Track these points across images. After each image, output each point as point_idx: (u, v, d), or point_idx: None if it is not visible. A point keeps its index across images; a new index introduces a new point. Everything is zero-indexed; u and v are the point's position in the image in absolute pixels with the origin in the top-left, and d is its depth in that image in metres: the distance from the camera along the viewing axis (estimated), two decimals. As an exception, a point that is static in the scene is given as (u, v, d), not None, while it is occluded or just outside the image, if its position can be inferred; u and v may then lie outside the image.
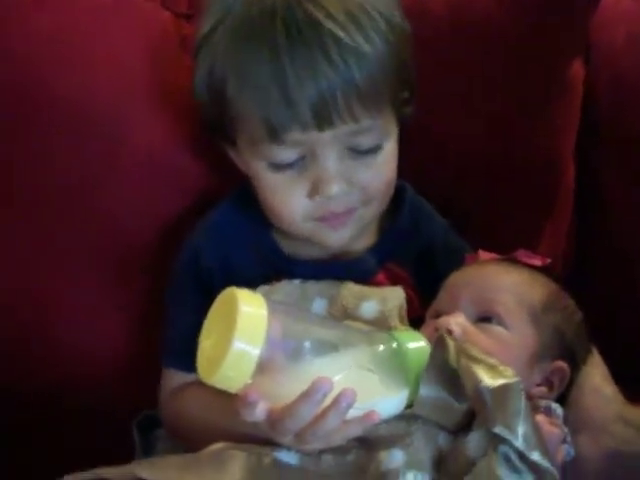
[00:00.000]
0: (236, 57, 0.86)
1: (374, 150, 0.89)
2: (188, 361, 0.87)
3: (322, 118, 0.84)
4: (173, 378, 0.94)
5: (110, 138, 1.04)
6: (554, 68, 1.08)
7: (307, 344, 0.73)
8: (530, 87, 1.07)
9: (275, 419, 0.73)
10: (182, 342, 0.88)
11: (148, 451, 0.98)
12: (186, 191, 1.05)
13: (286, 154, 0.87)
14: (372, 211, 0.92)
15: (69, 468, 0.99)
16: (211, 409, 0.86)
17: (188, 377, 0.92)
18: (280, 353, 0.72)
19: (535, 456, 0.70)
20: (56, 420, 1.07)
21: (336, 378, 0.72)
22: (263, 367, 0.70)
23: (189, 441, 0.89)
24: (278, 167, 0.88)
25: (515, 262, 0.88)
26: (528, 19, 1.05)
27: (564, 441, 0.78)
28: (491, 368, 0.73)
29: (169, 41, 1.07)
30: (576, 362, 0.85)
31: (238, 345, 0.69)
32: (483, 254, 0.90)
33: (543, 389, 0.82)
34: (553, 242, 1.11)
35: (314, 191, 0.88)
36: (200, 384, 0.88)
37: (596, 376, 0.86)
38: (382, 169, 0.90)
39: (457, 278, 0.87)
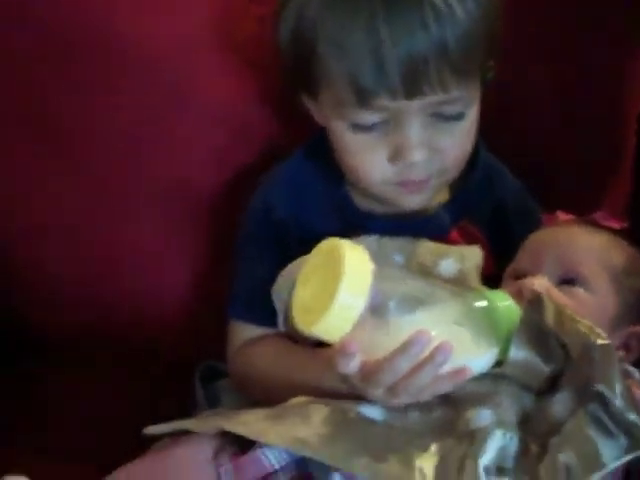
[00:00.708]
0: (330, 16, 0.85)
1: (458, 117, 0.88)
2: (259, 313, 0.90)
3: (413, 87, 0.84)
4: (242, 331, 0.94)
5: (176, 85, 1.04)
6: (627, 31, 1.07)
7: (401, 298, 0.73)
8: (601, 50, 1.07)
9: (369, 371, 0.74)
10: (253, 294, 0.90)
11: (211, 402, 0.99)
12: (252, 141, 1.05)
13: (370, 117, 0.87)
14: (448, 177, 0.92)
15: (131, 412, 1.03)
16: (289, 362, 0.86)
17: (257, 330, 0.93)
18: (372, 309, 0.72)
19: (632, 416, 0.70)
20: (121, 362, 1.08)
21: (432, 332, 0.73)
22: (359, 320, 0.71)
23: (260, 395, 0.89)
24: (360, 128, 0.88)
25: (594, 224, 0.88)
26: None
27: (645, 404, 0.79)
28: (589, 329, 0.73)
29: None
30: (654, 326, 0.86)
31: (345, 295, 0.69)
32: (561, 215, 0.90)
33: (621, 353, 0.83)
34: (616, 197, 1.09)
35: (395, 156, 0.88)
36: (272, 337, 0.91)
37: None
38: (463, 137, 0.90)
39: (538, 238, 0.87)
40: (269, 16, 0.97)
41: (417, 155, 0.87)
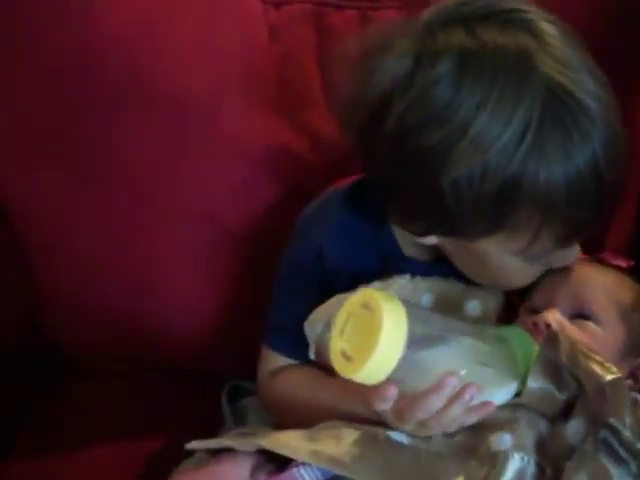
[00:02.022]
0: (556, 177, 0.79)
1: None
2: (294, 347, 0.94)
3: (582, 235, 0.86)
4: (276, 361, 0.97)
5: (204, 125, 1.08)
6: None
7: (427, 337, 0.79)
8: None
9: (402, 409, 0.79)
10: (291, 329, 0.93)
11: (238, 421, 1.04)
12: (275, 175, 1.09)
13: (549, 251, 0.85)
14: None
15: (152, 429, 1.08)
16: (321, 390, 0.91)
17: (289, 361, 0.96)
18: (409, 349, 0.77)
19: None
20: (143, 379, 1.13)
21: (461, 372, 0.79)
22: None
23: (290, 420, 0.93)
24: (533, 260, 0.87)
25: (603, 263, 0.94)
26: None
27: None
28: (600, 364, 0.80)
29: (259, 29, 1.10)
30: (658, 357, 0.92)
31: (384, 347, 0.74)
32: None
33: (630, 382, 0.88)
34: (620, 230, 1.13)
35: (558, 264, 0.90)
36: (304, 367, 0.95)
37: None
38: None
39: (552, 277, 0.93)
40: (288, 54, 1.01)
41: (575, 259, 0.90)
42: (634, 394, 0.86)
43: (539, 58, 0.78)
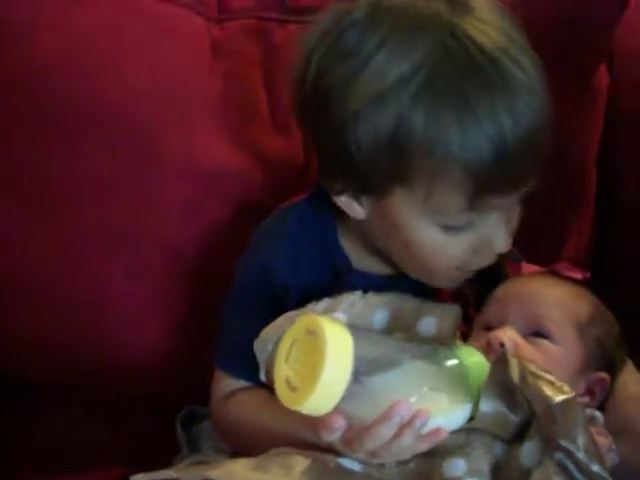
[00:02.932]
0: (448, 123, 0.79)
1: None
2: (245, 369, 0.92)
3: (523, 180, 0.83)
4: (228, 383, 0.95)
5: (150, 146, 1.06)
6: (581, 70, 1.11)
7: (376, 362, 0.76)
8: (557, 90, 1.08)
9: (352, 438, 0.77)
10: (242, 351, 0.90)
11: (192, 447, 1.02)
12: (226, 195, 1.07)
13: (466, 218, 0.84)
14: None
15: (110, 458, 1.06)
16: (271, 415, 0.88)
17: (242, 384, 0.94)
18: (358, 375, 0.74)
19: (595, 467, 0.74)
20: (100, 407, 1.11)
21: (409, 398, 0.76)
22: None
23: (240, 445, 0.92)
24: (450, 229, 0.84)
25: (557, 275, 0.92)
26: (560, 16, 1.08)
27: (610, 449, 0.83)
28: (551, 384, 0.77)
29: (201, 46, 1.08)
30: (614, 371, 0.90)
31: (329, 376, 0.71)
32: (527, 267, 0.94)
33: (586, 399, 0.86)
34: (578, 240, 1.15)
35: (483, 247, 0.86)
36: (255, 390, 0.92)
37: (631, 384, 0.91)
38: (519, 211, 0.89)
39: (505, 291, 0.90)
40: (232, 71, 0.99)
41: (505, 245, 0.86)
42: (590, 411, 0.84)
43: (449, 14, 0.81)
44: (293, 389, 0.74)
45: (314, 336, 0.73)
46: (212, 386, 0.97)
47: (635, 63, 1.15)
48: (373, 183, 0.84)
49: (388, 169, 0.82)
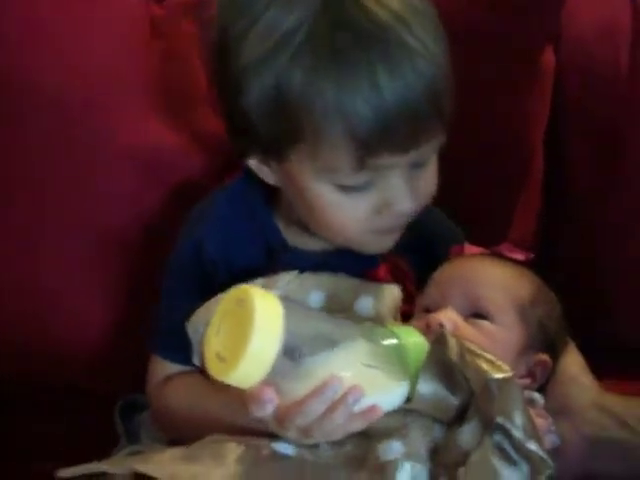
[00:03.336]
0: (325, 77, 0.80)
1: (430, 160, 0.87)
2: (180, 352, 0.90)
3: (412, 140, 0.82)
4: (164, 367, 0.93)
5: (83, 129, 1.04)
6: (527, 52, 1.10)
7: (312, 340, 0.74)
8: (503, 71, 1.09)
9: (283, 415, 0.75)
10: (175, 332, 0.89)
11: (132, 437, 1.00)
12: (171, 184, 1.05)
13: (361, 178, 0.84)
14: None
15: (54, 450, 1.03)
16: (205, 400, 0.87)
17: (179, 368, 0.92)
18: (284, 350, 0.73)
19: (532, 445, 0.73)
20: (42, 400, 1.09)
21: (343, 374, 0.74)
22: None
23: (177, 432, 0.90)
24: (347, 189, 0.85)
25: (500, 256, 0.91)
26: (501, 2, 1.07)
27: (549, 430, 0.82)
28: (490, 362, 0.76)
29: (139, 26, 1.07)
30: (556, 353, 0.88)
31: (257, 345, 0.70)
32: (469, 248, 0.92)
33: (527, 380, 0.85)
34: (525, 221, 1.14)
35: (383, 208, 0.86)
36: (189, 374, 0.91)
37: (573, 366, 0.90)
38: (433, 174, 0.89)
39: (446, 272, 0.89)
40: (171, 49, 0.97)
41: (407, 205, 0.86)
42: (530, 393, 0.83)
43: None
44: (222, 360, 0.72)
45: (243, 306, 0.72)
46: (148, 371, 0.95)
47: (581, 44, 1.14)
48: (270, 144, 0.85)
49: (277, 129, 0.83)
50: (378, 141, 0.81)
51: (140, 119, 1.04)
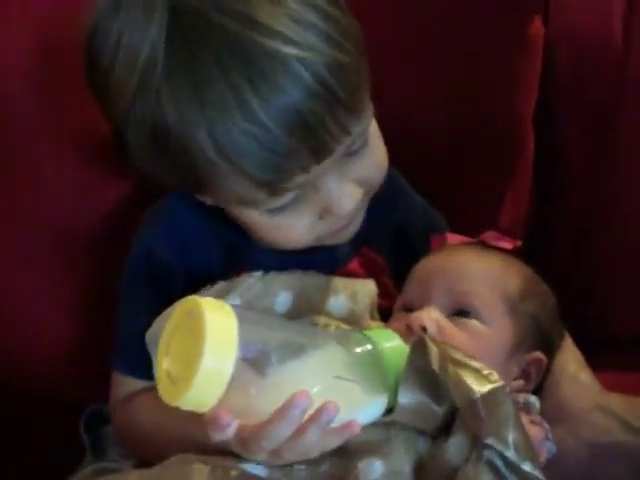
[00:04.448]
0: (193, 119, 0.73)
1: (364, 143, 0.80)
2: (141, 367, 0.83)
3: (319, 151, 0.75)
4: (125, 384, 0.87)
5: (28, 118, 0.96)
6: (513, 24, 1.04)
7: (275, 352, 0.67)
8: (489, 45, 1.03)
9: (247, 437, 0.68)
10: (135, 346, 0.82)
11: (98, 452, 0.93)
12: (123, 174, 0.96)
13: (286, 198, 0.78)
14: (372, 194, 0.85)
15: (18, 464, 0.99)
16: (169, 419, 0.79)
17: (141, 384, 0.86)
18: (246, 366, 0.66)
19: (527, 467, 0.66)
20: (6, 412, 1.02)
21: (313, 390, 0.67)
22: (231, 381, 0.64)
23: (143, 451, 0.84)
24: (277, 210, 0.79)
25: (485, 246, 0.83)
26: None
27: (546, 438, 0.75)
28: (476, 373, 0.68)
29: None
30: (551, 350, 0.82)
31: (208, 363, 0.63)
32: (450, 237, 0.85)
33: (520, 382, 0.79)
34: (515, 207, 1.08)
35: (326, 214, 0.80)
36: (153, 391, 0.83)
37: (571, 363, 0.83)
38: (375, 153, 0.82)
39: (427, 266, 0.82)
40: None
41: (348, 205, 0.79)
42: (525, 396, 0.77)
43: None
44: (174, 382, 0.65)
45: (193, 319, 0.64)
46: (111, 389, 0.89)
47: (571, 13, 1.07)
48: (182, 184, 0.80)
49: (173, 179, 0.78)
50: (275, 171, 0.73)
51: (90, 104, 0.95)
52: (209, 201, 0.83)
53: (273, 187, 0.75)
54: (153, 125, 0.75)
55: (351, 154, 0.79)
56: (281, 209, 0.78)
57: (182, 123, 0.73)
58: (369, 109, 0.80)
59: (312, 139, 0.73)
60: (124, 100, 0.75)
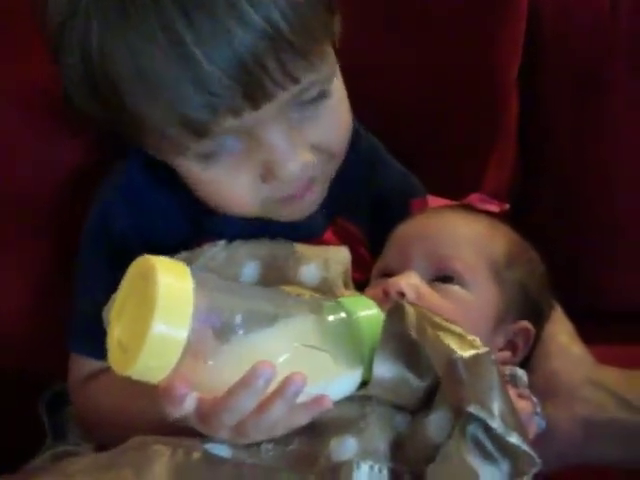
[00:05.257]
0: (121, 50, 0.69)
1: (320, 98, 0.74)
2: (98, 346, 0.75)
3: (254, 93, 0.69)
4: (82, 364, 0.82)
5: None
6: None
7: (239, 319, 0.62)
8: (473, 3, 0.99)
9: (207, 412, 0.63)
10: (90, 323, 0.77)
11: (59, 434, 0.88)
12: (84, 139, 0.91)
13: (215, 144, 0.72)
14: (336, 165, 0.79)
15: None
16: (129, 399, 0.74)
17: (99, 364, 0.80)
18: (208, 332, 0.60)
19: (514, 438, 0.60)
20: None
21: (279, 360, 0.61)
22: (189, 349, 0.59)
23: (103, 434, 0.78)
24: (214, 159, 0.74)
25: (470, 209, 0.77)
26: None
27: (535, 413, 0.70)
28: (459, 337, 0.63)
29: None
30: (540, 320, 0.77)
31: (160, 328, 0.57)
32: (432, 200, 0.79)
33: (507, 354, 0.74)
34: (499, 171, 1.04)
35: (267, 175, 0.74)
36: (111, 371, 0.78)
37: (562, 335, 0.78)
38: (336, 116, 0.76)
39: (407, 230, 0.76)
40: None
41: (292, 168, 0.73)
42: (511, 369, 0.71)
43: None
44: (124, 350, 0.60)
45: (146, 282, 0.59)
46: (69, 369, 0.84)
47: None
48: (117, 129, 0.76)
49: (102, 113, 0.74)
50: (202, 109, 0.68)
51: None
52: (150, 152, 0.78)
53: (198, 128, 0.70)
54: (82, 52, 0.71)
55: (303, 109, 0.73)
56: (215, 159, 0.73)
57: (105, 46, 0.69)
58: (328, 61, 0.74)
59: (248, 79, 0.68)
60: (58, 27, 0.71)
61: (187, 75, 0.67)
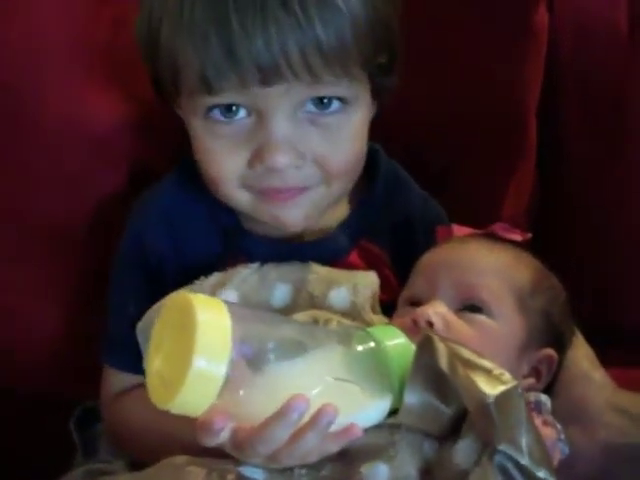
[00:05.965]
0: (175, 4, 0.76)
1: (337, 112, 0.77)
2: (132, 360, 0.79)
3: (268, 70, 0.73)
4: (116, 379, 0.84)
5: (23, 108, 0.93)
6: (517, 11, 1.01)
7: (271, 348, 0.63)
8: (495, 33, 1.01)
9: (242, 441, 0.65)
10: (125, 339, 0.79)
11: (90, 451, 0.90)
12: (116, 164, 0.94)
13: (233, 113, 0.76)
14: (335, 191, 0.81)
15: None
16: (162, 417, 0.72)
17: (132, 378, 0.82)
18: (242, 363, 0.62)
19: (542, 473, 0.62)
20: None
21: (311, 392, 0.63)
22: (226, 382, 0.61)
23: (134, 450, 0.81)
24: (221, 128, 0.77)
25: (494, 238, 0.79)
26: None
27: (559, 439, 0.71)
28: (487, 373, 0.64)
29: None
30: (563, 346, 0.78)
31: (200, 364, 0.59)
32: (457, 229, 0.81)
33: (531, 380, 0.75)
34: (517, 198, 1.05)
35: (256, 159, 0.77)
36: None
37: (583, 361, 0.79)
38: (345, 143, 0.78)
39: (434, 259, 0.78)
40: (122, 19, 0.88)
41: (279, 157, 0.75)
42: (536, 395, 0.73)
43: None
44: (165, 385, 0.61)
45: (184, 316, 0.61)
46: (101, 384, 0.86)
47: (576, 0, 1.05)
48: (161, 82, 0.81)
49: (150, 54, 0.80)
50: (220, 62, 0.73)
51: (88, 94, 0.93)
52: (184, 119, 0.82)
53: (207, 79, 0.74)
54: (148, 17, 0.79)
55: (318, 115, 0.77)
56: (222, 129, 0.77)
57: (160, 7, 0.78)
58: (357, 76, 0.77)
59: (265, 51, 0.72)
60: None
61: (216, 29, 0.73)
